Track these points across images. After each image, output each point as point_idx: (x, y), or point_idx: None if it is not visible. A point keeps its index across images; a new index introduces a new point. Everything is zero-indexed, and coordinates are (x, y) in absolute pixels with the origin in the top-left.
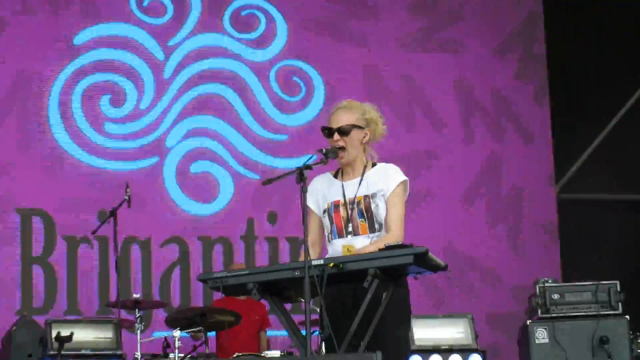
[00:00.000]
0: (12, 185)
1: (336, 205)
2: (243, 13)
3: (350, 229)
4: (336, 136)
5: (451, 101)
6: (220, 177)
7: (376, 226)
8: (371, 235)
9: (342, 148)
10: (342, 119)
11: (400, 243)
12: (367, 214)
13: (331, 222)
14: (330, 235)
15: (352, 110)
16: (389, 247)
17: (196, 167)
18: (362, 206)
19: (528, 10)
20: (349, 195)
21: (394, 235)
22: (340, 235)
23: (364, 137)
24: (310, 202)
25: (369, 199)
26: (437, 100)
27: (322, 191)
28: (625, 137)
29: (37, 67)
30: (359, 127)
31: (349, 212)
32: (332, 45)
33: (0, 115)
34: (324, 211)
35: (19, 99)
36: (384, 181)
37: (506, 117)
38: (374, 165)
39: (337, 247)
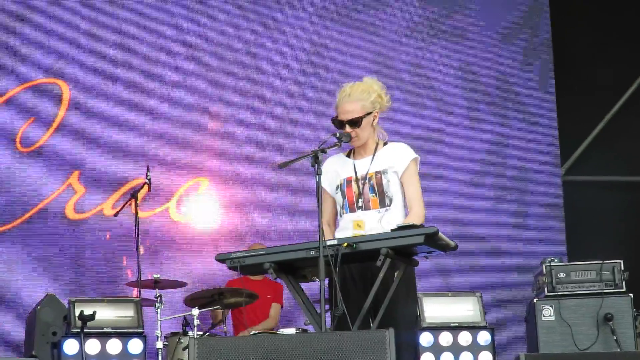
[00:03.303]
0: (42, 167)
1: (348, 181)
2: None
3: (361, 203)
4: (347, 128)
5: (458, 86)
6: (238, 161)
7: (386, 201)
8: (381, 210)
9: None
10: (350, 111)
11: (413, 223)
12: (379, 189)
13: (343, 197)
14: (342, 210)
15: (357, 98)
16: (400, 227)
17: (211, 152)
18: (374, 181)
19: None
20: (361, 171)
21: (417, 214)
22: (352, 210)
23: (373, 120)
24: (324, 183)
25: (381, 174)
26: (444, 85)
27: (335, 169)
28: (629, 120)
29: (65, 55)
30: (367, 114)
31: (361, 187)
32: (344, 33)
33: (34, 102)
34: (337, 187)
35: (51, 86)
36: (396, 158)
37: (512, 102)
38: (385, 144)
39: (348, 222)
